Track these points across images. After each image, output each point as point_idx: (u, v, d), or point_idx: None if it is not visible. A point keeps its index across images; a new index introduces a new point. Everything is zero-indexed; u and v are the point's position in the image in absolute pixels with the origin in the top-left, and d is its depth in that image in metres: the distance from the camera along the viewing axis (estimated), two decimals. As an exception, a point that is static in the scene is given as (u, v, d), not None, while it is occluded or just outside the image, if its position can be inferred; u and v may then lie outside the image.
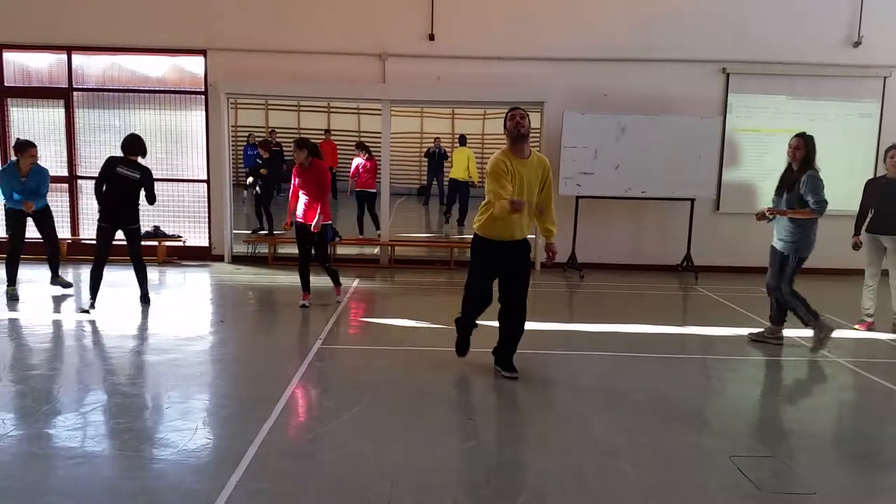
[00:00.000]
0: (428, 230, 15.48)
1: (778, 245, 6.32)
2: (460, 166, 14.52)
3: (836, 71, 9.97)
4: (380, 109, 10.32)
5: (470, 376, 5.58)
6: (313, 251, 7.46)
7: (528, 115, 5.00)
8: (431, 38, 9.81)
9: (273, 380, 5.16)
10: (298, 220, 7.35)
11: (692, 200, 9.73)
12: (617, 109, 9.70)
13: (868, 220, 7.04)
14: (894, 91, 10.03)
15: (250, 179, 12.78)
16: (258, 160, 12.33)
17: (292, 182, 7.33)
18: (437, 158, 17.55)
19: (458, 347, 5.64)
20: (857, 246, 7.10)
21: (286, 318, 7.55)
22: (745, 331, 7.00)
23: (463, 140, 15.24)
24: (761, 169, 10.09)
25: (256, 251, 10.70)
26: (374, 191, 11.74)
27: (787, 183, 6.21)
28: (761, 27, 9.86)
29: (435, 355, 6.02)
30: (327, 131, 18.71)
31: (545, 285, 9.29)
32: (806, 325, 6.25)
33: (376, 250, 10.49)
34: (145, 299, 7.63)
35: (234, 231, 10.50)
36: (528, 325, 5.87)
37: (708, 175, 9.73)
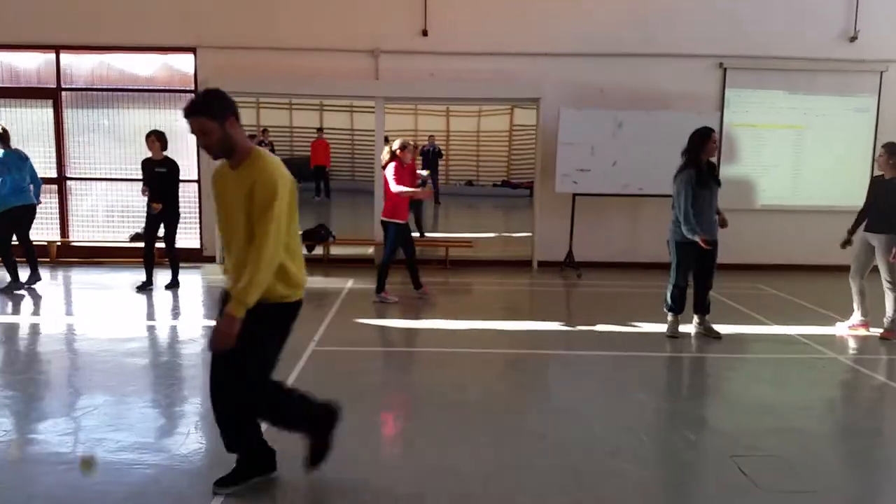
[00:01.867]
0: (422, 229, 15.36)
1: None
2: None
3: (832, 66, 9.92)
4: (373, 107, 10.21)
5: (467, 378, 5.49)
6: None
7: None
8: (425, 33, 9.71)
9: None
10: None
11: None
12: (613, 105, 9.61)
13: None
14: (890, 86, 9.98)
15: None
16: None
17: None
18: (431, 156, 17.45)
19: None
20: (846, 244, 6.87)
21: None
22: (744, 328, 6.94)
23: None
24: (759, 164, 10.04)
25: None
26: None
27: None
28: (758, 22, 9.79)
29: (431, 356, 5.93)
30: (320, 129, 18.59)
31: (542, 285, 9.21)
32: None
33: (371, 250, 10.38)
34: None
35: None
36: (526, 325, 5.80)
37: (705, 171, 9.64)
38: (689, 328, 6.70)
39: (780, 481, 3.76)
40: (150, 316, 7.24)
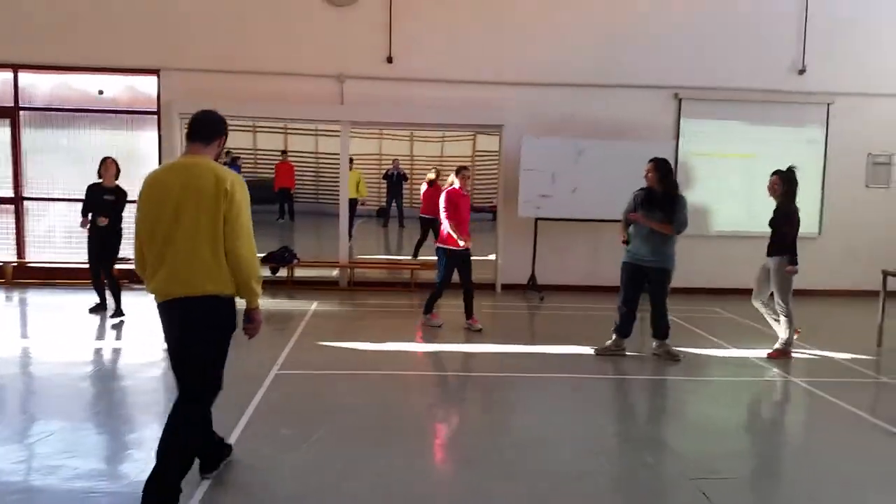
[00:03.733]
0: (388, 252, 15.40)
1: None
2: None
3: (782, 97, 10.31)
4: (338, 131, 10.27)
5: (429, 401, 5.52)
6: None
7: None
8: (390, 60, 9.83)
9: (228, 409, 4.99)
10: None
11: (648, 223, 9.89)
12: (574, 134, 9.84)
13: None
14: (837, 118, 10.41)
15: None
16: None
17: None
18: (395, 180, 17.55)
19: None
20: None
21: (243, 343, 7.38)
22: (702, 351, 7.11)
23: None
24: (714, 191, 10.33)
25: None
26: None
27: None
28: (711, 55, 10.15)
29: (396, 379, 5.94)
30: (284, 152, 18.55)
31: (506, 307, 9.30)
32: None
33: (335, 272, 10.37)
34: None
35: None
36: (489, 348, 5.82)
37: (663, 198, 9.89)
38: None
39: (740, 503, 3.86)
40: (107, 339, 7.11)
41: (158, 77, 9.74)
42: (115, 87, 10.03)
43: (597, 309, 9.08)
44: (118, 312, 7.79)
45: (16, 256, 9.90)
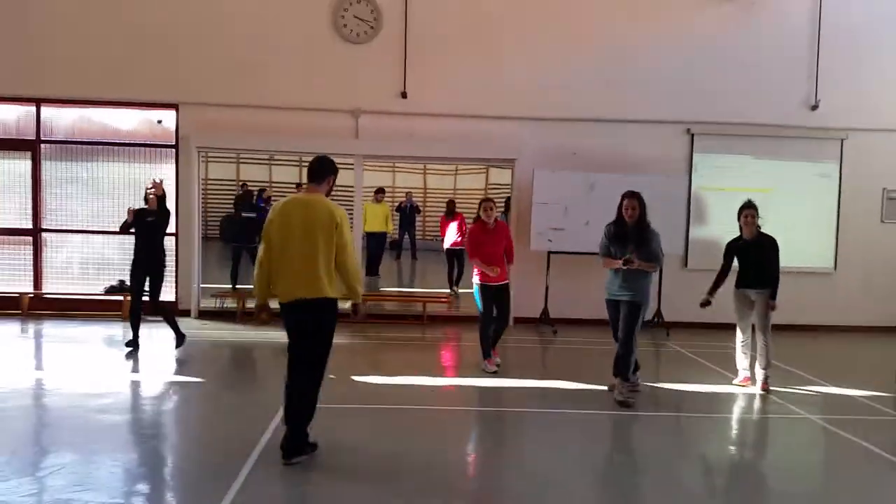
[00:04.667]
0: (400, 284, 15.42)
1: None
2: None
3: (795, 132, 10.32)
4: (352, 164, 10.37)
5: (444, 438, 5.48)
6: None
7: None
8: (404, 95, 9.97)
9: (239, 442, 5.00)
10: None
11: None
12: (586, 167, 9.88)
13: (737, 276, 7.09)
14: (851, 153, 10.39)
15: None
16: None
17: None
18: (408, 212, 17.62)
19: None
20: (706, 304, 6.99)
21: (253, 376, 7.40)
22: (717, 387, 7.03)
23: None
24: (726, 226, 10.26)
25: (224, 306, 10.51)
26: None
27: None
28: (724, 90, 10.21)
29: (407, 413, 5.91)
30: (299, 185, 18.71)
31: (518, 341, 9.25)
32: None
33: (348, 305, 10.37)
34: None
35: (203, 285, 10.32)
36: (503, 383, 5.81)
37: (676, 232, 9.89)
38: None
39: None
40: (123, 372, 7.13)
41: (177, 111, 9.92)
42: (134, 121, 10.21)
43: (611, 343, 9.00)
44: (180, 339, 7.88)
45: (32, 287, 9.99)
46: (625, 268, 6.24)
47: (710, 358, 8.27)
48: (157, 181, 7.93)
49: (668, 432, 5.91)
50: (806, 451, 5.65)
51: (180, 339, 7.91)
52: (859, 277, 10.41)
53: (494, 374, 7.16)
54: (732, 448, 5.50)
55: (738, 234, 7.08)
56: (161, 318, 7.94)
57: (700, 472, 4.95)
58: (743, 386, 7.02)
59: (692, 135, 10.25)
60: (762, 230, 6.94)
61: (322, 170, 4.92)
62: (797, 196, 10.35)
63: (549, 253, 9.83)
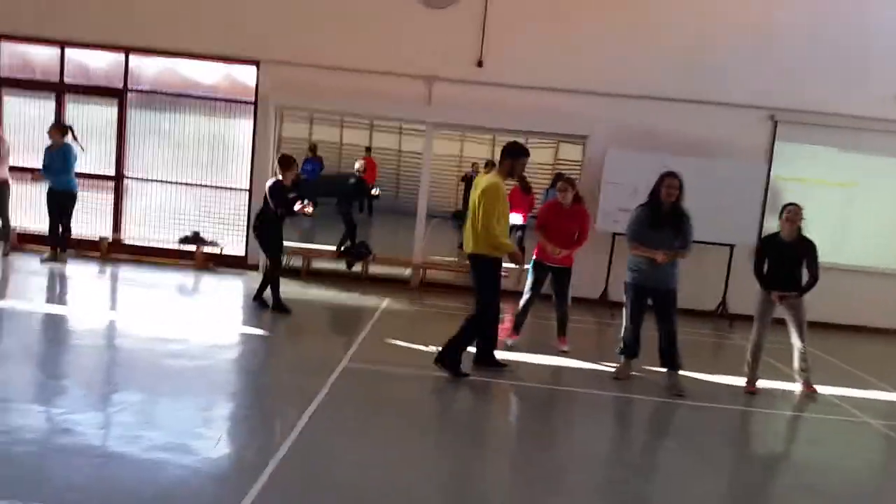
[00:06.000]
0: (460, 255, 15.46)
1: None
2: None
3: (885, 126, 9.79)
4: (423, 131, 10.40)
5: (489, 406, 5.54)
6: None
7: None
8: (480, 64, 9.89)
9: (299, 394, 5.18)
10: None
11: (732, 246, 9.59)
12: (660, 149, 9.63)
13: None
14: (945, 149, 9.81)
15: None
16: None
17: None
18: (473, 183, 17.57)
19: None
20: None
21: (314, 335, 7.60)
22: (776, 384, 6.85)
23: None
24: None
25: (290, 264, 10.77)
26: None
27: None
28: (811, 78, 9.74)
29: (452, 382, 5.99)
30: (368, 149, 18.89)
31: (575, 321, 9.17)
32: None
33: (408, 272, 10.51)
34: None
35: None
36: (552, 361, 5.82)
37: (749, 222, 9.58)
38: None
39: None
40: (192, 319, 7.43)
41: (258, 68, 10.10)
42: (216, 75, 10.45)
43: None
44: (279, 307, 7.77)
45: (112, 232, 10.45)
46: (666, 261, 6.05)
47: (773, 353, 8.05)
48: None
49: (726, 425, 5.83)
50: (864, 454, 5.48)
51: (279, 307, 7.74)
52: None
53: (544, 350, 7.16)
54: (789, 445, 5.39)
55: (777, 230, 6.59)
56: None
57: (753, 467, 4.88)
58: (752, 393, 6.52)
59: (776, 122, 9.85)
60: (803, 233, 6.45)
61: (503, 153, 6.02)
62: (881, 192, 9.87)
63: (614, 234, 9.67)
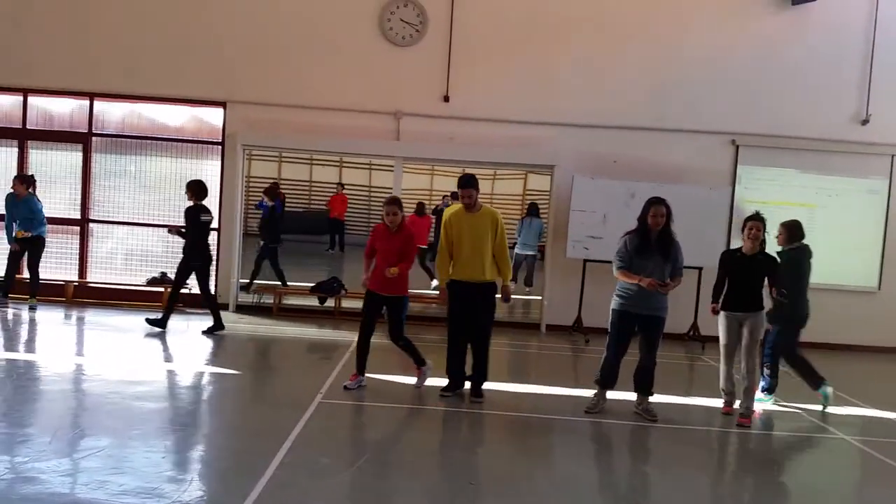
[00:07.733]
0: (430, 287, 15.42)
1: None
2: None
3: (844, 147, 10.09)
4: (391, 166, 10.45)
5: (467, 439, 5.48)
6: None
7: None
8: (446, 99, 10.02)
9: (271, 433, 5.08)
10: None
11: (699, 269, 9.71)
12: (626, 176, 9.78)
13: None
14: (901, 169, 10.12)
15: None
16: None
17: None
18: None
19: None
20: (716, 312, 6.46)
21: (287, 371, 7.50)
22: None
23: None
24: (770, 241, 10.09)
25: (261, 301, 10.67)
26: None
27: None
28: (771, 102, 10.03)
29: (435, 414, 5.93)
30: (340, 184, 18.90)
31: (550, 348, 9.21)
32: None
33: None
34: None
35: (241, 280, 10.50)
36: (532, 389, 5.79)
37: (716, 245, 9.71)
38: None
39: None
40: (161, 360, 7.29)
41: (225, 109, 10.11)
42: (182, 117, 10.44)
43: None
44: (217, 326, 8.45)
45: (77, 276, 10.27)
46: (660, 291, 5.93)
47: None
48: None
49: (693, 444, 5.84)
50: (845, 473, 5.51)
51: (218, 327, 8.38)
52: (905, 297, 10.12)
53: (522, 378, 7.11)
54: (754, 464, 5.40)
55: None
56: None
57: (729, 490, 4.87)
58: (729, 414, 6.34)
59: (737, 146, 10.09)
60: (765, 249, 6.32)
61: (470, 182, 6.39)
62: (843, 212, 10.12)
63: (585, 261, 9.75)
